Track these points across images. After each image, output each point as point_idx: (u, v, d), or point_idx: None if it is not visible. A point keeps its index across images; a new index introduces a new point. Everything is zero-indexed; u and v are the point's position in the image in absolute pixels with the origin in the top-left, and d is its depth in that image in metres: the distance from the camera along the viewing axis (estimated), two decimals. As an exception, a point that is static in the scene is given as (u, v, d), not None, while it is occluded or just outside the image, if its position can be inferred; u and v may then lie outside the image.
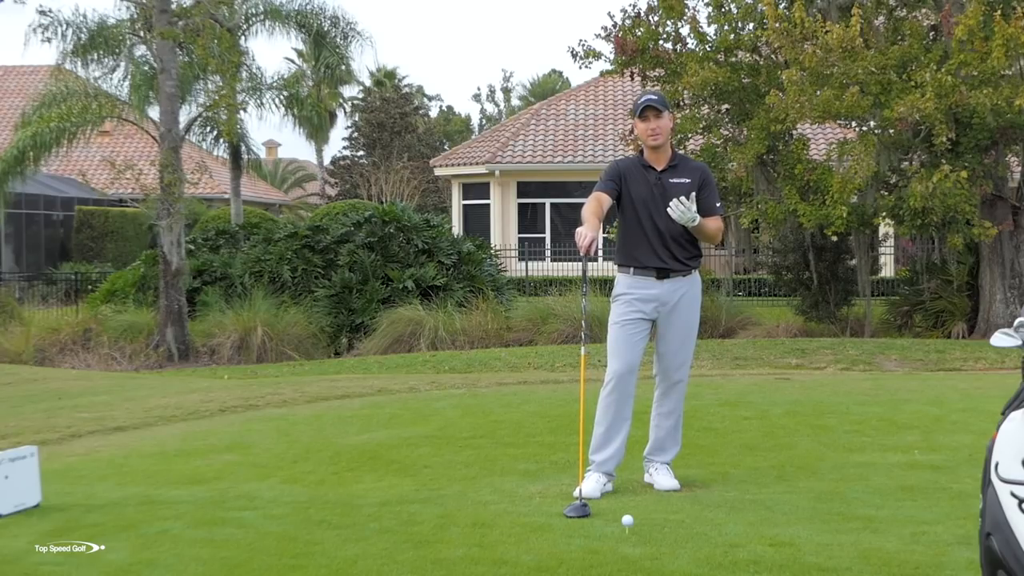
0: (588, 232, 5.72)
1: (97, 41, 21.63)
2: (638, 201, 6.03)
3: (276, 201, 43.39)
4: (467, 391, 10.86)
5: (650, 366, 6.35)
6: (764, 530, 5.04)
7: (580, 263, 6.23)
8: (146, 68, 22.75)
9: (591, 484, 5.90)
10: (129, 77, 22.95)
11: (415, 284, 19.44)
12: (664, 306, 6.06)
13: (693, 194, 5.96)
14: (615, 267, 6.23)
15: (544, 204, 32.18)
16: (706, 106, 17.91)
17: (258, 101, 25.45)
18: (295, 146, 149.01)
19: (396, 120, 50.88)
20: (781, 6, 16.74)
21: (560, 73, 68.43)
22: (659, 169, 6.07)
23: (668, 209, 5.89)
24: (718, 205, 6.19)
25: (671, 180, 6.04)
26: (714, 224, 6.10)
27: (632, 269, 6.08)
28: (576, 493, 5.68)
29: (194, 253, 21.29)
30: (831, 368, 13.58)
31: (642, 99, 6.07)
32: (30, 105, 22.82)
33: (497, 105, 69.65)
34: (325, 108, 30.69)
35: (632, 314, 6.04)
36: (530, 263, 28.56)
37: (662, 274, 6.04)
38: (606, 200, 5.97)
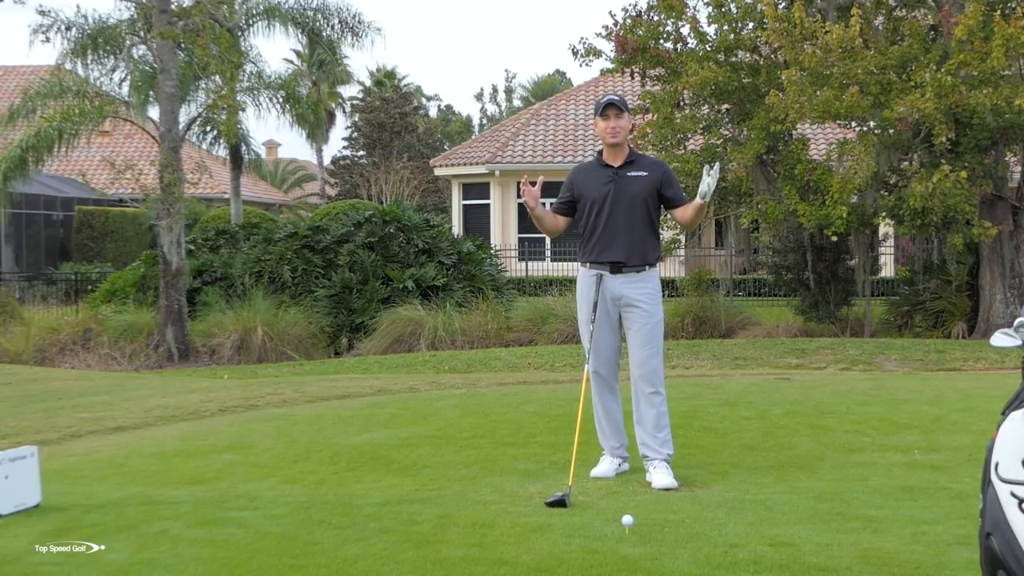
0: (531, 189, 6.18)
1: (97, 41, 21.62)
2: (593, 199, 6.28)
3: (276, 201, 43.36)
4: (467, 391, 10.85)
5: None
6: (764, 530, 5.04)
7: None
8: (146, 68, 22.73)
9: (604, 466, 6.34)
10: (129, 77, 22.94)
11: (415, 284, 19.43)
12: (619, 300, 6.21)
13: (717, 166, 6.12)
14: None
15: (544, 204, 32.09)
16: (706, 106, 17.89)
17: (256, 101, 25.47)
18: (295, 146, 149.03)
19: (396, 120, 50.87)
20: (781, 6, 16.73)
21: (563, 73, 68.30)
22: (616, 166, 6.30)
23: (705, 174, 6.01)
24: (684, 195, 6.40)
25: (629, 174, 6.27)
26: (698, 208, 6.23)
27: (589, 264, 6.30)
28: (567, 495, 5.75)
29: (194, 253, 21.29)
30: (831, 368, 13.57)
31: (604, 98, 6.33)
32: (19, 99, 22.76)
33: (498, 105, 69.68)
34: (323, 107, 30.66)
35: (591, 313, 6.23)
36: (530, 263, 28.56)
37: (615, 268, 6.21)
38: (560, 220, 6.44)
